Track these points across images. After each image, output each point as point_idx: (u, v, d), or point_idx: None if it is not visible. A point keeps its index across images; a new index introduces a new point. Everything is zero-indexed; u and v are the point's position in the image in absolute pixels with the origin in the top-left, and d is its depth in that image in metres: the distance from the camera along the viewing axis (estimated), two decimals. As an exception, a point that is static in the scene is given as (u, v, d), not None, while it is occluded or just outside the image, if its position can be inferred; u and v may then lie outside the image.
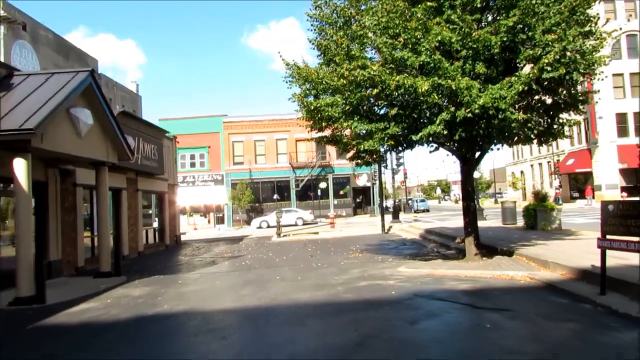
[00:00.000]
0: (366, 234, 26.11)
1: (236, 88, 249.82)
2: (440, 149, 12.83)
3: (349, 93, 10.88)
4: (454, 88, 8.83)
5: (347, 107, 11.04)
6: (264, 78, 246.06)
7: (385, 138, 10.49)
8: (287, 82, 12.08)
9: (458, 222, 28.78)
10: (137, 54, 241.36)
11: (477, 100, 8.73)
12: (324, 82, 11.01)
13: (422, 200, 59.05)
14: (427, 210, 54.97)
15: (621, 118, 45.67)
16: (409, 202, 63.64)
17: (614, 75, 43.15)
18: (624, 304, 6.99)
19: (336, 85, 10.75)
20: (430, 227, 23.16)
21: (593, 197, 44.47)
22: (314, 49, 12.28)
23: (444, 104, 9.67)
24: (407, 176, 57.61)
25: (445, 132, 9.74)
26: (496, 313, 7.36)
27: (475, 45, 9.23)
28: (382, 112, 10.92)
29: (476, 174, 29.66)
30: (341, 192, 49.69)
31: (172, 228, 26.07)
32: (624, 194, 42.48)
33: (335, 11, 11.48)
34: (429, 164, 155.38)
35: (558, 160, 52.33)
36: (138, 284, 12.76)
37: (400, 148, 11.62)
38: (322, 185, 48.96)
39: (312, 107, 11.34)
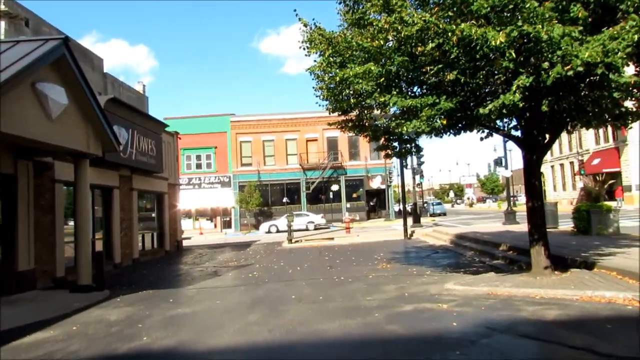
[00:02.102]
0: (387, 239, 23.52)
1: (246, 92, 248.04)
2: (494, 134, 10.33)
3: (386, 59, 8.39)
4: (543, 38, 6.32)
5: (382, 79, 8.55)
6: (274, 81, 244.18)
7: (436, 116, 7.97)
8: (304, 49, 9.60)
9: (485, 225, 26.37)
10: (149, 59, 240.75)
11: (581, 54, 6.19)
12: (353, 44, 8.52)
13: (439, 204, 56.28)
14: (444, 214, 52.28)
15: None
16: (425, 205, 60.90)
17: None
18: None
19: (370, 47, 8.26)
20: (460, 232, 20.55)
21: (623, 199, 41.79)
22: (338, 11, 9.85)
23: (520, 63, 7.12)
24: (423, 178, 54.90)
25: (522, 105, 7.19)
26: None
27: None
28: (430, 80, 8.37)
29: (506, 172, 26.97)
30: (354, 195, 47.11)
31: (172, 232, 23.65)
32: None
33: None
34: (442, 166, 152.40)
35: (582, 161, 49.45)
36: (120, 301, 10.31)
37: (451, 130, 9.06)
38: (334, 187, 46.36)
39: (338, 80, 8.85)
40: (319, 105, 10.85)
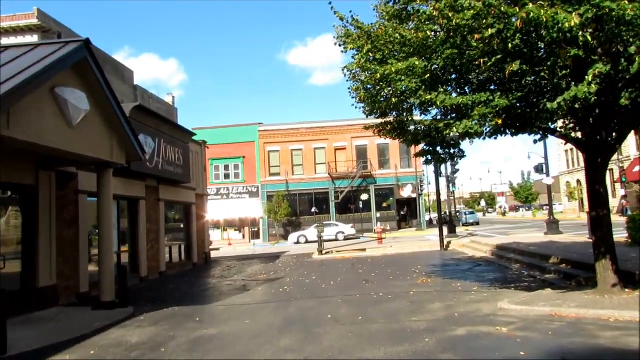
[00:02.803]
0: (422, 250, 22.45)
1: (274, 104, 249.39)
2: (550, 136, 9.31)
3: (432, 53, 7.52)
4: (628, 17, 5.36)
5: (427, 76, 7.68)
6: (302, 92, 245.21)
7: (490, 115, 7.04)
8: (340, 45, 8.81)
9: (526, 235, 24.85)
10: (179, 72, 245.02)
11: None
12: (395, 37, 7.68)
13: (472, 213, 54.53)
14: (477, 223, 50.63)
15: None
16: (457, 214, 59.26)
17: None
18: None
19: (414, 39, 7.41)
20: (501, 243, 19.32)
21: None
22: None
23: (593, 50, 6.15)
24: (455, 186, 53.33)
25: (594, 99, 6.20)
26: None
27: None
28: (483, 76, 7.45)
29: (547, 180, 25.54)
30: (384, 204, 45.91)
31: (200, 244, 23.08)
32: None
33: None
34: (473, 174, 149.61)
35: (622, 168, 47.19)
36: (144, 320, 9.61)
37: (507, 131, 8.10)
38: (364, 197, 45.36)
39: (378, 77, 8.02)
40: (355, 108, 10.10)
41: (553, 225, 23.22)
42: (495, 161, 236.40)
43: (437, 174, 23.16)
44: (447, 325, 7.46)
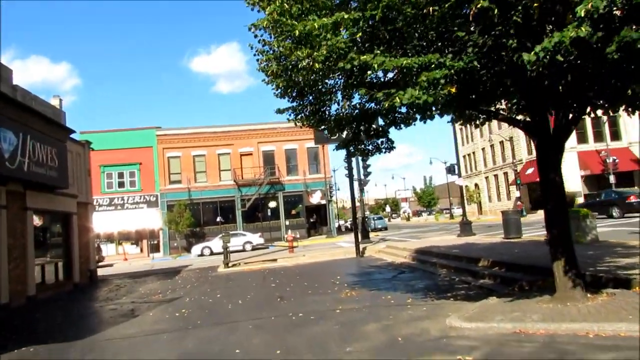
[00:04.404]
0: (337, 258, 20.93)
1: (177, 113, 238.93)
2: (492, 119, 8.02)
3: (368, 2, 5.83)
4: None
5: (359, 33, 6.00)
6: (205, 101, 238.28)
7: (443, 81, 5.46)
8: (249, 3, 6.89)
9: (439, 238, 23.94)
10: (72, 76, 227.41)
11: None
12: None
13: (380, 218, 54.57)
14: (386, 229, 50.68)
15: (580, 124, 43.78)
16: (366, 220, 59.11)
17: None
18: None
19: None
20: (419, 247, 18.26)
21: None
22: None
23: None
24: (365, 192, 52.93)
25: (575, 53, 4.80)
26: None
27: None
28: (430, 33, 5.86)
29: (460, 181, 25.23)
30: (293, 212, 44.24)
31: (84, 260, 19.74)
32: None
33: None
34: (378, 181, 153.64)
35: (516, 170, 49.58)
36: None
37: (462, 105, 6.56)
38: (272, 204, 43.39)
39: (296, 36, 6.19)
40: (265, 84, 8.15)
41: (466, 227, 22.81)
42: (396, 168, 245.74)
43: (351, 176, 21.77)
44: (394, 356, 5.74)
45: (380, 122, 8.59)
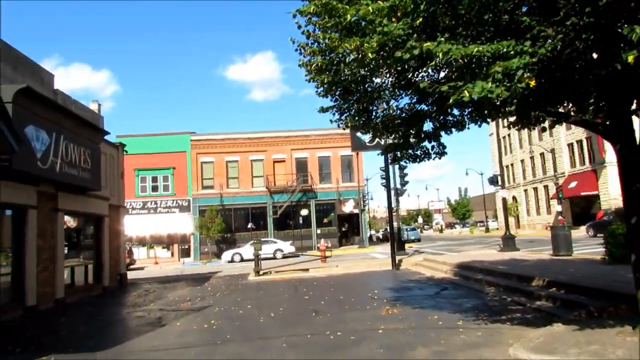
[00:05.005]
0: (371, 270, 20.03)
1: (212, 120, 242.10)
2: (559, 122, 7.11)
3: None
4: None
5: (420, 20, 5.25)
6: (240, 108, 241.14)
7: (520, 71, 4.64)
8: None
9: (479, 252, 22.45)
10: (112, 83, 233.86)
11: None
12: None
13: (413, 229, 53.24)
14: (419, 240, 49.38)
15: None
16: (398, 230, 57.93)
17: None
18: None
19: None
20: (461, 262, 17.20)
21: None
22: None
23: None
24: (399, 202, 51.82)
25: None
26: None
27: None
28: (503, 17, 5.06)
29: (503, 192, 24.03)
30: (325, 220, 43.52)
31: (114, 264, 19.46)
32: None
33: None
34: (410, 191, 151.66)
35: (557, 184, 47.59)
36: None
37: (542, 100, 5.69)
38: (304, 212, 42.76)
39: (348, 19, 5.47)
40: (307, 82, 7.46)
41: (509, 241, 21.56)
42: (428, 179, 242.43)
43: (389, 181, 20.89)
44: (453, 393, 4.90)
45: (429, 126, 7.85)
